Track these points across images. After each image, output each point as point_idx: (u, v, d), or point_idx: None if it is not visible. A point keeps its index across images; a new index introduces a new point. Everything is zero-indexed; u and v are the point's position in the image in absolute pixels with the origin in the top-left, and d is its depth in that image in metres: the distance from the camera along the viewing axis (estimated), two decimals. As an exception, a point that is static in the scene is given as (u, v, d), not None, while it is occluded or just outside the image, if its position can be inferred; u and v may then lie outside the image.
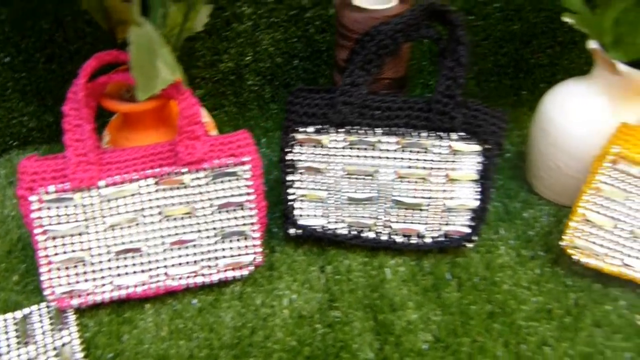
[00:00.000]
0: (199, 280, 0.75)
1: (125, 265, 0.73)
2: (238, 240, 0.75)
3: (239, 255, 0.75)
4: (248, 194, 0.73)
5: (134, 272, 0.73)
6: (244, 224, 0.74)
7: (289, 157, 0.77)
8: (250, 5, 0.90)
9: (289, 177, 0.78)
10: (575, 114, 0.80)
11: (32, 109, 0.92)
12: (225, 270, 0.76)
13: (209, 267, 0.75)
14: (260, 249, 0.76)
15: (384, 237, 0.79)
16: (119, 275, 0.72)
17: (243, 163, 0.72)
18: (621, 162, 0.72)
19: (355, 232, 0.79)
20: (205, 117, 0.82)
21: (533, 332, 0.72)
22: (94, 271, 0.71)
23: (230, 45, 0.93)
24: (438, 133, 0.74)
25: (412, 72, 1.00)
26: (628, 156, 0.72)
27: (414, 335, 0.71)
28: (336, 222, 0.79)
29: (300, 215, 0.79)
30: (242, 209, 0.74)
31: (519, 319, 0.73)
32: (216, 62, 0.95)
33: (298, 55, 0.96)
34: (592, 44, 0.76)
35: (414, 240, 0.79)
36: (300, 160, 0.77)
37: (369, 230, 0.79)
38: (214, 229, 0.74)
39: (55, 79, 0.91)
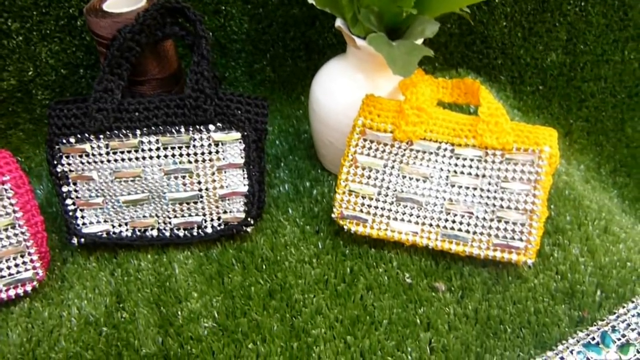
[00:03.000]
0: (-22, 303, 0.74)
1: None
2: (14, 258, 0.75)
3: (18, 273, 0.75)
4: (15, 211, 0.73)
5: None
6: (18, 242, 0.74)
7: (58, 169, 0.77)
8: (16, 20, 0.89)
9: (64, 189, 0.79)
10: (336, 92, 0.83)
11: None
12: (7, 290, 0.75)
13: (-11, 289, 0.75)
14: (39, 263, 0.76)
15: (167, 233, 0.81)
16: None
17: (4, 182, 0.72)
18: (368, 132, 0.76)
19: (139, 233, 0.81)
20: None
21: (309, 304, 0.75)
22: None
23: (6, 62, 0.92)
24: (196, 127, 0.76)
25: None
26: (373, 126, 0.76)
27: (195, 323, 0.73)
28: (119, 225, 0.80)
29: (84, 224, 0.80)
30: (13, 227, 0.74)
31: (296, 293, 0.76)
32: (-4, 81, 0.94)
33: (82, 65, 0.96)
34: (338, 22, 0.79)
35: (195, 232, 0.80)
36: (71, 171, 0.78)
37: (152, 229, 0.81)
38: (-12, 250, 0.73)
39: None
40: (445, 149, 0.76)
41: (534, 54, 1.13)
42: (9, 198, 0.73)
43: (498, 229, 0.75)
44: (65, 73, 0.96)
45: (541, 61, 1.13)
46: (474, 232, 0.76)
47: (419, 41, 0.75)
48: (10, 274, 0.75)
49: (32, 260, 0.76)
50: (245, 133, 0.77)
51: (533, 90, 1.15)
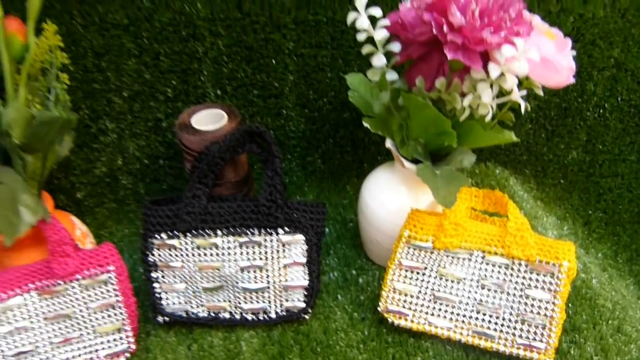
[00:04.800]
0: (82, 371, 0.89)
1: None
2: (113, 333, 0.89)
3: (116, 346, 0.90)
4: (117, 295, 0.88)
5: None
6: (117, 320, 0.89)
7: (150, 258, 0.92)
8: (112, 121, 1.05)
9: (152, 275, 0.93)
10: (383, 201, 0.97)
11: None
12: (104, 360, 0.90)
13: (91, 359, 0.89)
14: (133, 339, 0.91)
15: (237, 316, 0.95)
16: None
17: (109, 271, 0.88)
18: (412, 241, 0.90)
19: (213, 314, 0.95)
20: (78, 227, 0.97)
21: (358, 387, 0.88)
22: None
23: (100, 154, 1.08)
24: (268, 230, 0.91)
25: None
26: (417, 237, 0.90)
27: (261, 400, 0.87)
28: (197, 307, 0.95)
29: (167, 304, 0.95)
30: (114, 308, 0.89)
31: (348, 377, 0.90)
32: (91, 168, 1.10)
33: (162, 157, 1.12)
34: (388, 143, 0.94)
35: (261, 316, 0.95)
36: (160, 261, 0.92)
37: (225, 312, 0.95)
38: (93, 327, 0.88)
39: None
40: (477, 256, 0.90)
41: (556, 151, 1.26)
42: (112, 284, 0.88)
43: (522, 330, 0.88)
44: (147, 163, 1.12)
45: (562, 158, 1.26)
46: (501, 331, 0.89)
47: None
48: (109, 347, 0.90)
49: (127, 336, 0.91)
50: (309, 237, 0.91)
51: (555, 183, 1.28)
